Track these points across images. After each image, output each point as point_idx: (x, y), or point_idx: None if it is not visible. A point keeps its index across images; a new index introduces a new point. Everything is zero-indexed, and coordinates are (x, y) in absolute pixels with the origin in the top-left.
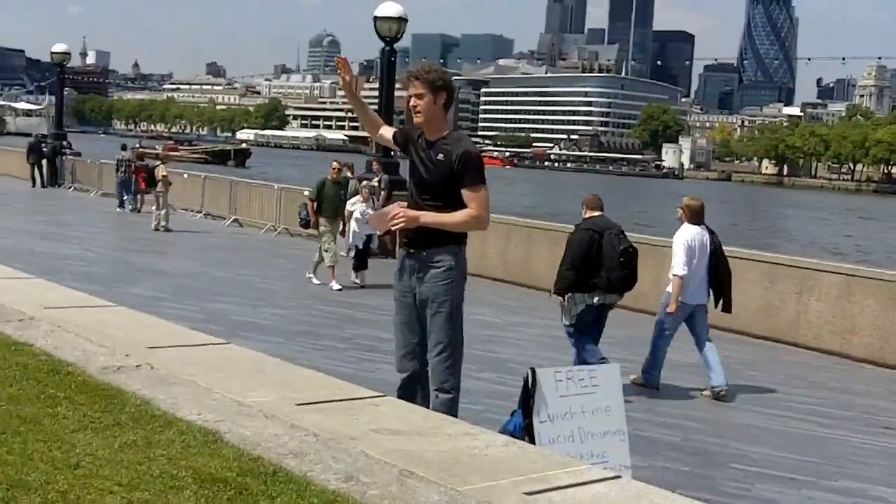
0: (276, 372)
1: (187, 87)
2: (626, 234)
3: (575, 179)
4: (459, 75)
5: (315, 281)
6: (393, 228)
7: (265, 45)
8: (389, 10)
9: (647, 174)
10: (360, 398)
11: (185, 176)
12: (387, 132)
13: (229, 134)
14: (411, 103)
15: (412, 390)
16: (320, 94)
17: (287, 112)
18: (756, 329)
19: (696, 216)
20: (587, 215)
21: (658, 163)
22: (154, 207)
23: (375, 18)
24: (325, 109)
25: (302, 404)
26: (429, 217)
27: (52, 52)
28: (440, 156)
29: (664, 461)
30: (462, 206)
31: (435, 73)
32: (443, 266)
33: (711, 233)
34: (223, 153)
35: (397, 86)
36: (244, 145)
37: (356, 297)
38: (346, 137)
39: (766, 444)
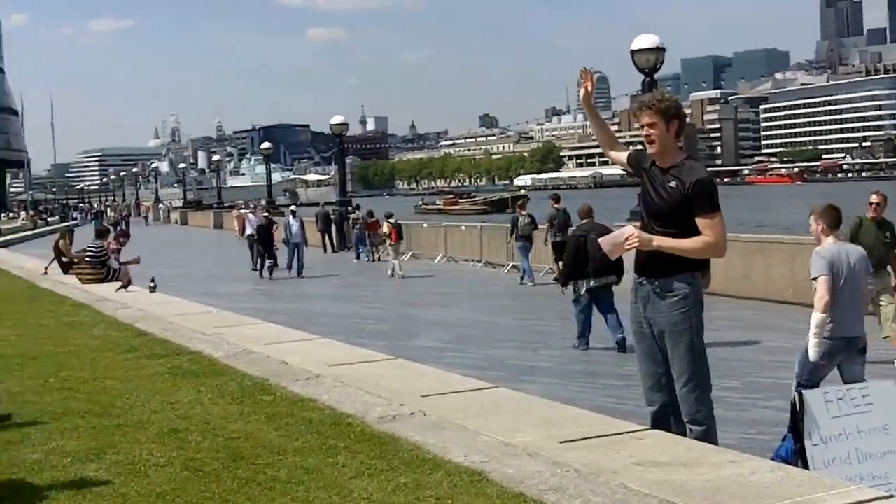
0: (542, 412)
1: (462, 141)
2: None
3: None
4: (735, 94)
5: None
6: (627, 249)
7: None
8: (645, 41)
9: None
10: (624, 432)
11: (463, 228)
12: (621, 153)
13: (507, 182)
14: (644, 133)
15: (665, 423)
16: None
17: (562, 153)
18: None
19: None
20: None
21: None
22: (390, 257)
23: (633, 52)
24: (599, 147)
25: (565, 441)
26: (663, 241)
27: (331, 124)
28: (673, 183)
29: None
30: (695, 233)
31: (667, 101)
32: (678, 295)
33: None
34: (501, 201)
35: None
36: (522, 191)
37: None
38: (623, 173)
39: None
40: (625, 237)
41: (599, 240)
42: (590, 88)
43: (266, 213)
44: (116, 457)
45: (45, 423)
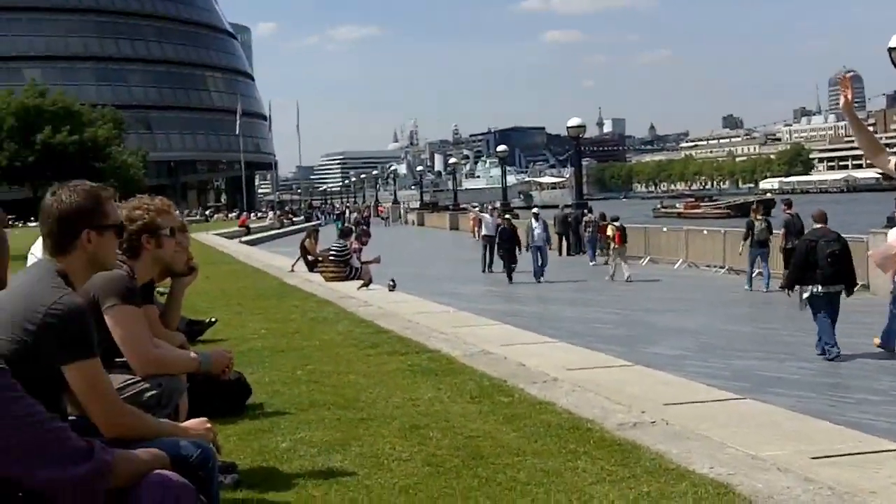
0: (791, 425)
1: (704, 142)
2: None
3: None
4: None
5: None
6: None
7: (781, 91)
8: None
9: None
10: (883, 451)
11: (705, 232)
12: (886, 159)
13: (751, 185)
14: None
15: None
16: (846, 134)
17: (811, 156)
18: None
19: None
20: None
21: None
22: (613, 261)
23: (890, 50)
24: (852, 149)
25: (818, 457)
26: None
27: (568, 127)
28: None
29: None
30: None
31: None
32: None
33: None
34: (746, 205)
35: None
36: (768, 195)
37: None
38: (878, 176)
39: None
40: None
41: (869, 253)
42: (849, 97)
43: (508, 216)
44: (360, 449)
45: (293, 414)
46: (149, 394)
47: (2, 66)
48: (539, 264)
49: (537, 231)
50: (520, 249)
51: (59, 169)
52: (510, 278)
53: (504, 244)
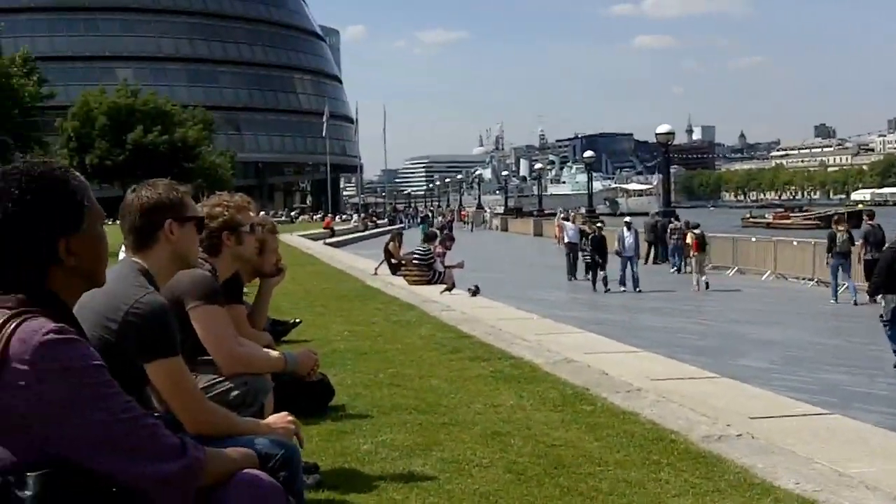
0: (881, 443)
1: (795, 152)
2: None
3: None
4: None
5: None
6: None
7: (875, 100)
8: None
9: None
10: None
11: (795, 243)
12: None
13: (843, 196)
14: None
15: None
16: None
17: None
18: None
19: None
20: None
21: None
22: (693, 269)
23: None
24: None
25: None
26: None
27: (656, 133)
28: None
29: None
30: None
31: None
32: None
33: None
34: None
35: None
36: (859, 206)
37: None
38: None
39: None
40: None
41: None
42: None
43: (600, 224)
44: (441, 454)
45: (374, 416)
46: (234, 392)
47: (95, 66)
48: (627, 273)
49: (629, 240)
50: (606, 258)
51: (149, 168)
52: (594, 286)
53: (592, 252)
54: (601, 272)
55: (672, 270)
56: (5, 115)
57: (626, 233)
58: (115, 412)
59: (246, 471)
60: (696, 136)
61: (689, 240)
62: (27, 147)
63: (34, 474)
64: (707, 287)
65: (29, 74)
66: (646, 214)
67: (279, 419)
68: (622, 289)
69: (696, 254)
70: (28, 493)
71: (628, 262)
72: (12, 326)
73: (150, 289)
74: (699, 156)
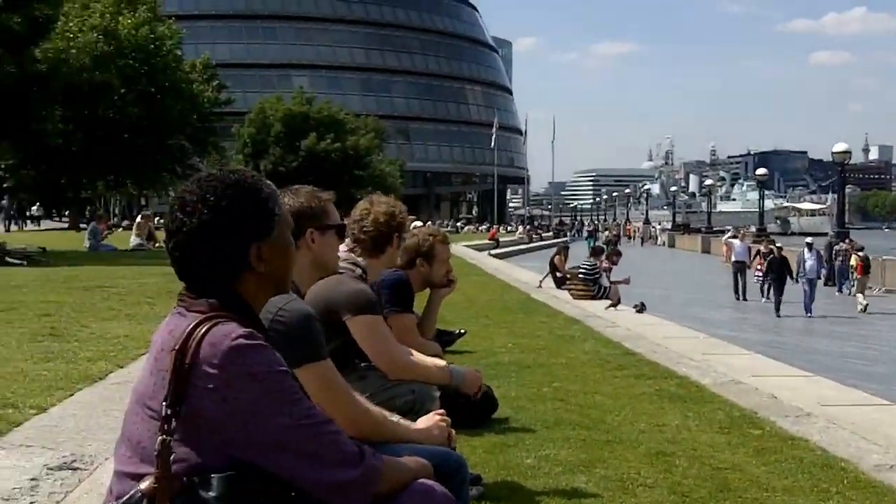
0: None
1: None
2: None
3: None
4: None
5: None
6: None
7: None
8: None
9: None
10: None
11: None
12: None
13: None
14: None
15: None
16: None
17: None
18: None
19: None
20: None
21: None
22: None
23: None
24: None
25: None
26: None
27: (833, 152)
28: None
29: None
30: None
31: None
32: None
33: None
34: None
35: None
36: None
37: None
38: None
39: None
40: None
41: None
42: None
43: (779, 246)
44: (605, 471)
45: (538, 430)
46: (402, 399)
47: (272, 73)
48: (808, 299)
49: (809, 262)
50: (790, 279)
51: (320, 175)
52: (777, 311)
53: (771, 273)
54: (779, 296)
55: (843, 293)
56: (184, 119)
57: (807, 254)
58: (297, 417)
59: (420, 480)
60: (873, 155)
61: (853, 262)
62: (204, 151)
63: (218, 476)
64: (865, 310)
65: (208, 80)
66: (817, 235)
67: (431, 419)
68: (808, 315)
69: (859, 277)
70: (212, 493)
71: (809, 285)
72: (203, 330)
73: (293, 296)
74: (875, 176)
